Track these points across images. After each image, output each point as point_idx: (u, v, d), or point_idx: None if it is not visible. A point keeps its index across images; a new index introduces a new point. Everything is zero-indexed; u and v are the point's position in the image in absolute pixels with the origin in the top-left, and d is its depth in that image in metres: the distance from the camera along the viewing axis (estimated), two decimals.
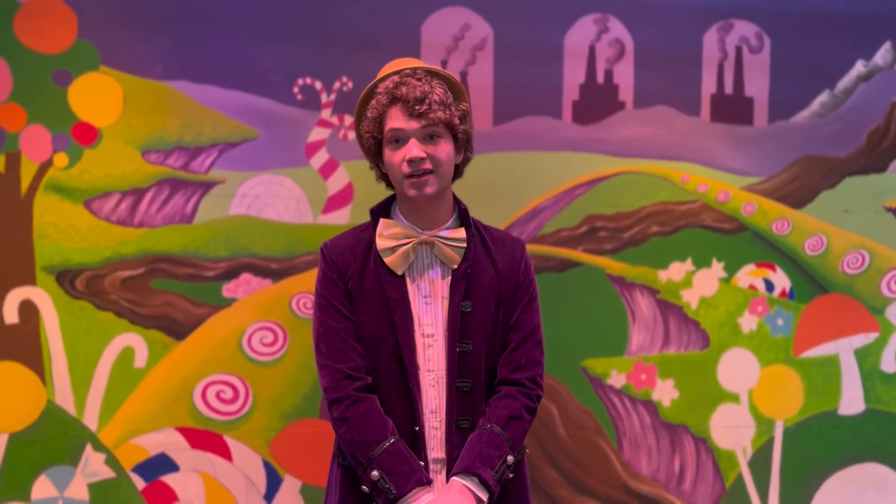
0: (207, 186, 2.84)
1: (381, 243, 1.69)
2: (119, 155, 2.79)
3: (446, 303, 1.69)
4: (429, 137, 1.65)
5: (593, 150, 3.01)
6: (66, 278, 2.77)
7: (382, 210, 1.75)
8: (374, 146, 1.70)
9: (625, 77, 3.03)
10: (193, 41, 2.80)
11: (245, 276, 2.85)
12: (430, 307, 1.69)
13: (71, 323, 2.77)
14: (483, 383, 1.72)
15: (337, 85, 2.87)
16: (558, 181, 2.99)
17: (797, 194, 3.12)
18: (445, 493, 1.62)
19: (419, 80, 1.64)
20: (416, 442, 1.67)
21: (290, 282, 2.87)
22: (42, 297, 2.76)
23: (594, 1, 3.00)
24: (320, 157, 2.89)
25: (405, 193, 1.68)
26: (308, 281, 2.87)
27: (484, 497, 1.63)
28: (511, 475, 1.71)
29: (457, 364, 1.67)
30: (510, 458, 1.67)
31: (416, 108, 1.61)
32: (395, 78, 1.66)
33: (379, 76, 1.73)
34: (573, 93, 3.00)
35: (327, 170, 2.89)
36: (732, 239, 3.08)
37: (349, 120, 2.88)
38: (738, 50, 3.08)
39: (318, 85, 2.87)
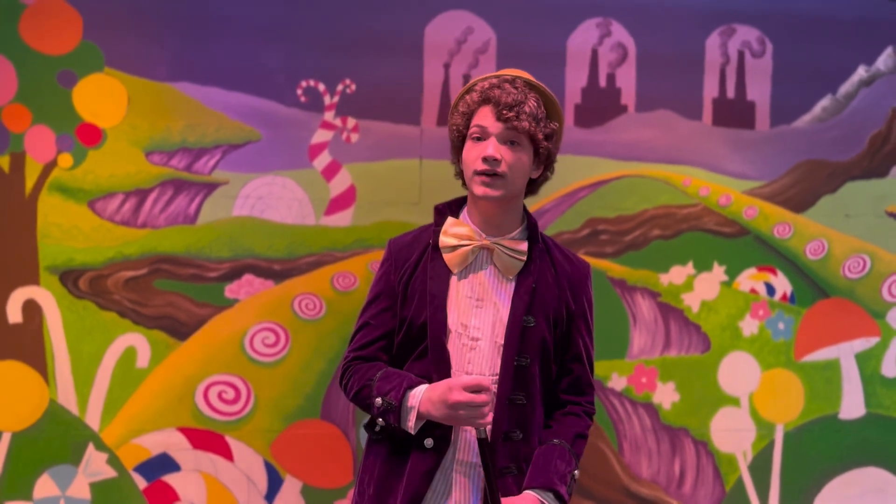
0: (211, 187, 2.85)
1: (445, 240, 1.70)
2: (123, 156, 2.80)
3: (504, 312, 1.69)
4: (510, 143, 1.65)
5: (595, 154, 3.01)
6: (70, 278, 2.78)
7: (449, 209, 1.76)
8: (459, 140, 1.72)
9: (627, 81, 3.04)
10: (197, 43, 2.82)
11: (247, 277, 2.86)
12: (481, 311, 1.69)
13: (74, 323, 2.78)
14: (539, 400, 1.73)
15: (340, 87, 2.89)
16: (560, 184, 3.00)
17: (798, 198, 3.13)
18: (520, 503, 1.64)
19: (516, 88, 1.66)
20: (446, 432, 1.67)
21: (292, 283, 2.87)
22: (45, 296, 2.78)
23: (597, 5, 3.01)
24: (323, 159, 2.90)
25: (473, 191, 1.68)
26: (310, 282, 2.88)
27: None
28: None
29: (513, 377, 1.67)
30: (577, 473, 1.72)
31: (505, 112, 1.63)
32: (494, 81, 1.68)
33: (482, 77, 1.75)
34: (575, 96, 3.01)
35: (330, 172, 2.90)
36: (734, 243, 3.09)
37: (352, 122, 2.89)
38: (741, 54, 3.09)
39: (322, 87, 2.88)
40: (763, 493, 3.10)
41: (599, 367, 3.02)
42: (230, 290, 2.85)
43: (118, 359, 2.80)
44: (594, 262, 3.02)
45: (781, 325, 3.10)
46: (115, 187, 2.81)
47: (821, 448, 3.12)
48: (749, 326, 3.09)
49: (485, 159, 1.63)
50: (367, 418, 1.77)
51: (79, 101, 2.78)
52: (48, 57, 2.76)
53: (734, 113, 3.08)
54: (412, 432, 1.63)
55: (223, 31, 2.83)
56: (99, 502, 2.79)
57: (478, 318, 1.69)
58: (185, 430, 2.83)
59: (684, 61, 3.06)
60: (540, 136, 1.66)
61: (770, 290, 3.10)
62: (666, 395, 3.05)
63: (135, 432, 2.80)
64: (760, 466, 3.09)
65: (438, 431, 1.65)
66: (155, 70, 2.80)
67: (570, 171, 2.99)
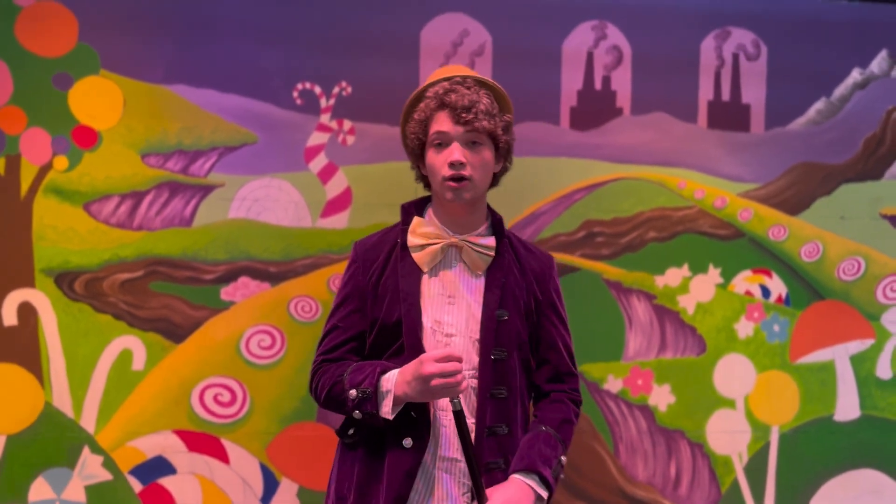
0: (206, 190, 2.85)
1: (413, 240, 1.73)
2: (119, 158, 2.80)
3: (476, 307, 1.71)
4: (471, 144, 1.68)
5: (591, 156, 3.02)
6: (65, 280, 2.78)
7: (416, 208, 1.78)
8: (418, 147, 1.74)
9: (622, 83, 3.04)
10: (193, 45, 2.82)
11: (243, 280, 2.86)
12: (454, 307, 1.71)
13: (69, 325, 2.78)
14: (521, 393, 1.75)
15: (336, 90, 2.89)
16: (556, 187, 3.01)
17: (793, 201, 3.13)
18: (506, 488, 1.65)
19: (468, 88, 1.68)
20: (423, 418, 1.68)
21: (288, 285, 2.87)
22: (41, 299, 2.77)
23: (592, 8, 3.02)
24: (319, 162, 2.90)
25: (443, 196, 1.71)
26: (306, 285, 2.88)
27: (544, 494, 1.67)
28: (562, 476, 1.75)
29: (491, 371, 1.69)
30: (563, 459, 1.73)
31: (463, 115, 1.65)
32: (446, 84, 1.69)
33: (428, 81, 1.76)
34: (571, 99, 3.02)
35: (326, 174, 2.90)
36: (729, 245, 3.09)
37: (348, 124, 2.90)
38: (735, 57, 3.10)
39: (318, 89, 2.89)
40: (758, 494, 3.10)
41: (595, 370, 3.02)
42: (226, 292, 2.85)
43: (114, 361, 2.80)
44: (590, 265, 3.03)
45: (777, 328, 3.11)
46: (111, 189, 2.81)
47: (816, 450, 3.12)
48: (744, 328, 3.09)
49: (451, 165, 1.66)
50: (339, 424, 1.77)
51: (74, 104, 2.78)
52: (44, 59, 2.76)
53: (729, 115, 3.09)
54: (390, 417, 1.63)
55: (219, 34, 2.83)
56: None
57: (451, 315, 1.71)
58: (180, 433, 2.82)
59: (679, 64, 3.07)
60: (499, 131, 1.70)
61: (765, 292, 3.11)
62: (662, 397, 3.05)
63: (130, 435, 2.80)
64: (756, 468, 3.10)
65: (416, 431, 1.66)
66: (151, 72, 2.80)
67: (566, 173, 3.00)
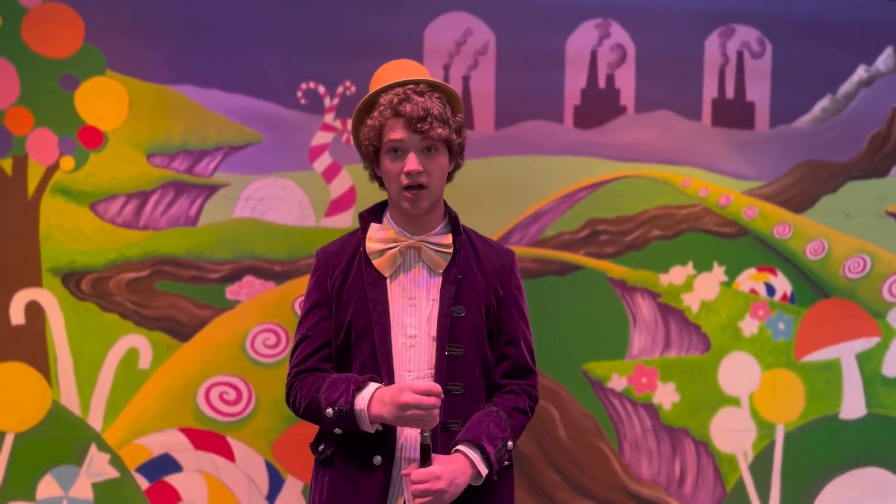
0: (212, 189, 2.86)
1: (371, 246, 1.74)
2: (124, 158, 2.82)
3: (434, 306, 1.72)
4: (426, 150, 1.70)
5: (595, 155, 3.02)
6: (72, 280, 2.80)
7: (373, 214, 1.80)
8: (373, 153, 1.75)
9: (626, 82, 3.04)
10: (198, 46, 2.83)
11: (248, 279, 2.87)
12: (415, 309, 1.72)
13: (76, 324, 2.80)
14: (479, 389, 1.75)
15: (340, 89, 2.90)
16: (560, 185, 3.01)
17: (799, 199, 3.13)
18: (448, 460, 1.64)
19: (421, 95, 1.68)
20: (390, 438, 1.70)
21: (292, 284, 2.89)
22: (48, 298, 2.79)
23: (596, 6, 3.01)
24: (323, 161, 2.91)
25: (401, 205, 1.73)
26: None
27: (484, 471, 1.66)
28: (504, 466, 1.73)
29: (445, 367, 1.69)
30: (510, 444, 1.71)
31: (419, 125, 1.66)
32: (399, 92, 1.70)
33: (376, 78, 1.77)
34: (575, 97, 3.02)
35: (330, 173, 2.91)
36: (733, 243, 3.09)
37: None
38: (740, 55, 3.09)
39: (322, 89, 2.90)
40: (764, 493, 3.10)
41: (600, 368, 3.02)
42: (231, 291, 2.87)
43: (120, 360, 2.82)
44: (594, 263, 3.03)
45: (781, 326, 3.11)
46: (117, 189, 2.82)
47: (821, 448, 3.12)
48: (749, 327, 3.09)
49: (408, 174, 1.68)
50: (312, 438, 1.78)
51: (80, 104, 2.80)
52: (50, 60, 2.78)
53: (734, 113, 3.08)
54: (371, 431, 1.65)
55: (223, 34, 2.84)
56: (101, 503, 2.81)
57: (412, 316, 1.72)
58: (186, 431, 2.84)
59: (684, 62, 3.06)
60: (453, 136, 1.71)
61: (770, 290, 3.10)
62: (666, 396, 3.05)
63: (137, 433, 2.82)
64: (761, 467, 3.10)
65: (385, 447, 1.67)
66: (156, 73, 2.82)
67: (570, 172, 3.00)
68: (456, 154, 1.76)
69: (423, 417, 1.60)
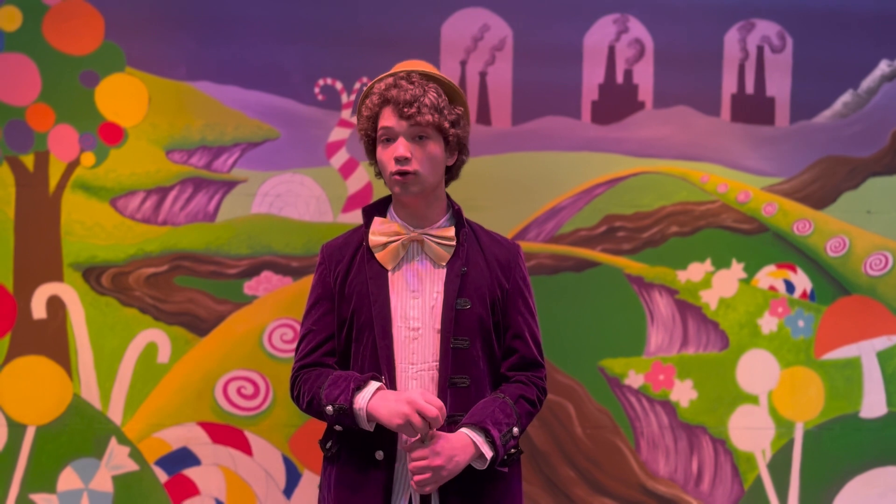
0: (230, 185, 2.88)
1: (373, 239, 1.75)
2: (144, 154, 2.84)
3: (439, 298, 1.72)
4: (417, 138, 1.70)
5: (612, 150, 3.01)
6: (93, 275, 2.83)
7: (376, 209, 1.82)
8: (369, 144, 1.78)
9: (644, 77, 3.02)
10: (216, 43, 2.85)
11: (266, 274, 2.89)
12: (418, 301, 1.73)
13: (97, 318, 2.83)
14: (484, 382, 1.75)
15: (357, 85, 2.91)
16: (577, 181, 3.00)
17: (819, 195, 3.09)
18: (449, 438, 1.64)
19: (412, 83, 1.70)
20: (392, 433, 1.70)
21: (309, 280, 2.88)
22: (69, 293, 2.83)
23: (614, 1, 3.00)
24: (340, 157, 2.92)
25: (391, 191, 1.75)
26: None
27: (488, 455, 1.66)
28: (512, 455, 1.73)
29: (451, 359, 1.69)
30: (515, 430, 1.71)
31: (406, 110, 1.67)
32: (390, 80, 1.73)
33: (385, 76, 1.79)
34: (592, 93, 3.00)
35: (347, 169, 2.92)
36: (752, 239, 3.06)
37: None
38: (760, 49, 3.06)
39: (339, 85, 2.90)
40: (782, 491, 3.08)
41: (617, 365, 3.01)
42: (249, 286, 2.88)
43: (139, 354, 2.85)
44: (611, 260, 3.02)
45: (801, 323, 3.08)
46: (137, 185, 2.85)
47: (841, 447, 3.09)
48: (768, 324, 3.06)
49: (396, 160, 1.68)
50: (322, 434, 1.80)
51: (101, 101, 2.83)
52: (71, 57, 2.81)
53: (753, 109, 3.06)
54: (370, 429, 1.66)
55: (241, 31, 2.86)
56: (121, 495, 2.84)
57: (415, 309, 1.72)
58: (204, 425, 2.86)
59: (702, 57, 3.04)
60: (446, 124, 1.71)
61: (789, 287, 3.07)
62: (683, 393, 3.03)
63: (156, 426, 2.85)
64: (780, 465, 3.07)
65: (386, 442, 1.68)
66: (175, 70, 2.84)
67: (587, 167, 2.99)
68: (454, 146, 1.76)
69: (406, 431, 1.61)
